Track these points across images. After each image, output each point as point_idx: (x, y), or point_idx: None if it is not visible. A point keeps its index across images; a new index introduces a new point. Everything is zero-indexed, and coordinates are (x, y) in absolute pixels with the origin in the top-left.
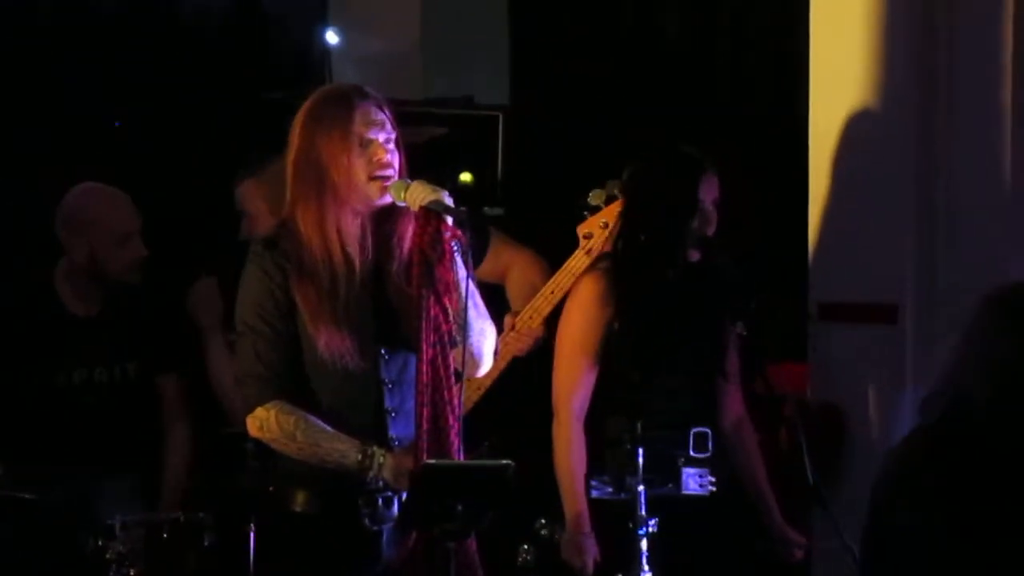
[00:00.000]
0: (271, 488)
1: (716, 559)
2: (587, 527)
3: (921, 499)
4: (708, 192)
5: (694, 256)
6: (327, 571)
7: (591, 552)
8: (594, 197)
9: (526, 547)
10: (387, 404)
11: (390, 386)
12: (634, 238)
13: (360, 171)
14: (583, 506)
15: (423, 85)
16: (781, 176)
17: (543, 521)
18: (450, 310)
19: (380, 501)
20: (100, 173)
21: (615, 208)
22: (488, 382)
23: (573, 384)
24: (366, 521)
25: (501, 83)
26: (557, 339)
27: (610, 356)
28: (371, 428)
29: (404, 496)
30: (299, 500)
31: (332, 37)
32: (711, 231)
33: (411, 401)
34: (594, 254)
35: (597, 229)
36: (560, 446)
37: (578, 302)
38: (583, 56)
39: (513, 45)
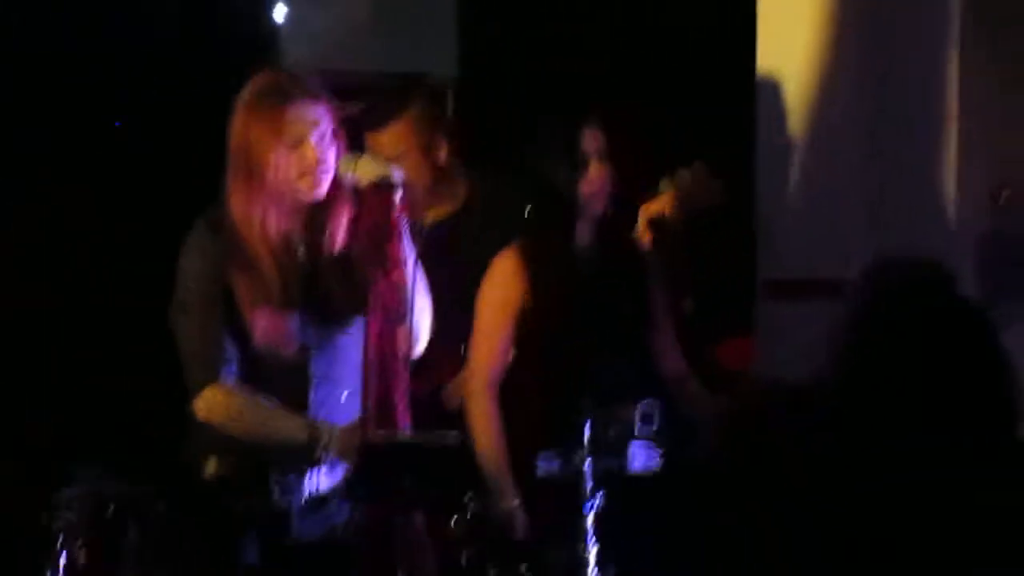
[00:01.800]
0: (187, 456)
1: (664, 536)
2: (513, 496)
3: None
4: (590, 144)
5: (594, 210)
6: (236, 541)
7: (521, 520)
8: None
9: (457, 520)
10: (312, 397)
11: (317, 380)
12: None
13: (290, 169)
14: (507, 475)
15: (375, 56)
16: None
17: (471, 495)
18: (397, 286)
19: (292, 475)
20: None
21: None
22: None
23: (488, 357)
24: (276, 493)
25: (451, 56)
26: (475, 315)
27: (535, 332)
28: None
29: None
30: (212, 466)
31: (281, 10)
32: (598, 186)
33: (335, 397)
34: None
35: None
36: (476, 419)
37: (492, 278)
38: (534, 27)
39: (461, 17)
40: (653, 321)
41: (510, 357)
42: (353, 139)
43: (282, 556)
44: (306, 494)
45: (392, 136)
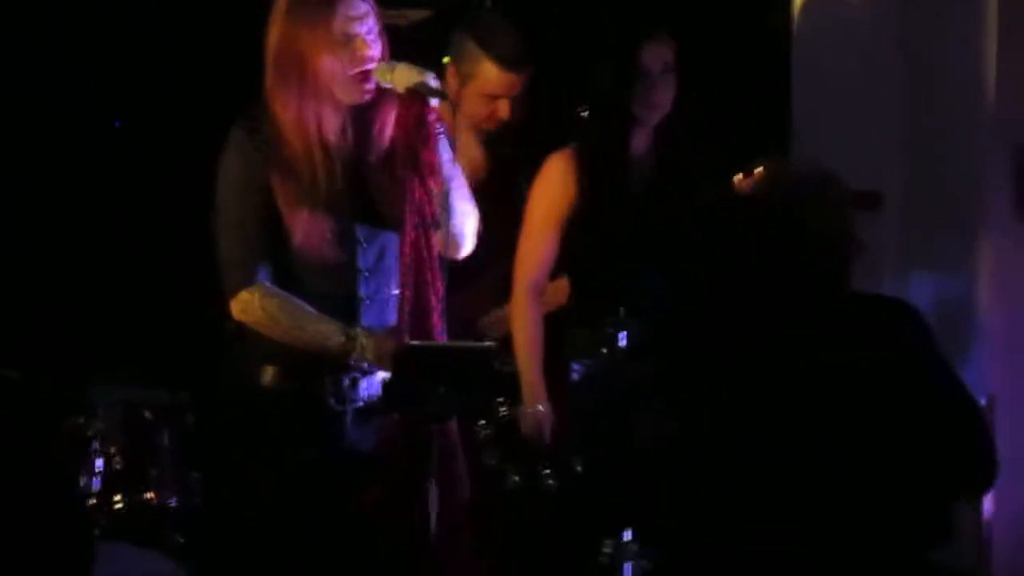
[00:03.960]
0: (241, 364)
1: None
2: (543, 399)
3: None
4: (653, 59)
5: (651, 120)
6: (291, 448)
7: (547, 425)
8: None
9: (483, 423)
10: (361, 292)
11: (366, 274)
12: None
13: (343, 67)
14: (539, 379)
15: None
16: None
17: (500, 400)
18: (433, 192)
19: (346, 381)
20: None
21: None
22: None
23: (533, 259)
24: (331, 401)
25: None
26: (524, 217)
27: (586, 237)
28: (344, 316)
29: (381, 378)
30: (267, 376)
31: None
32: (661, 99)
33: (385, 290)
34: None
35: None
36: (517, 319)
37: (543, 179)
38: None
39: None
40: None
41: (552, 259)
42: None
43: (331, 464)
44: (359, 401)
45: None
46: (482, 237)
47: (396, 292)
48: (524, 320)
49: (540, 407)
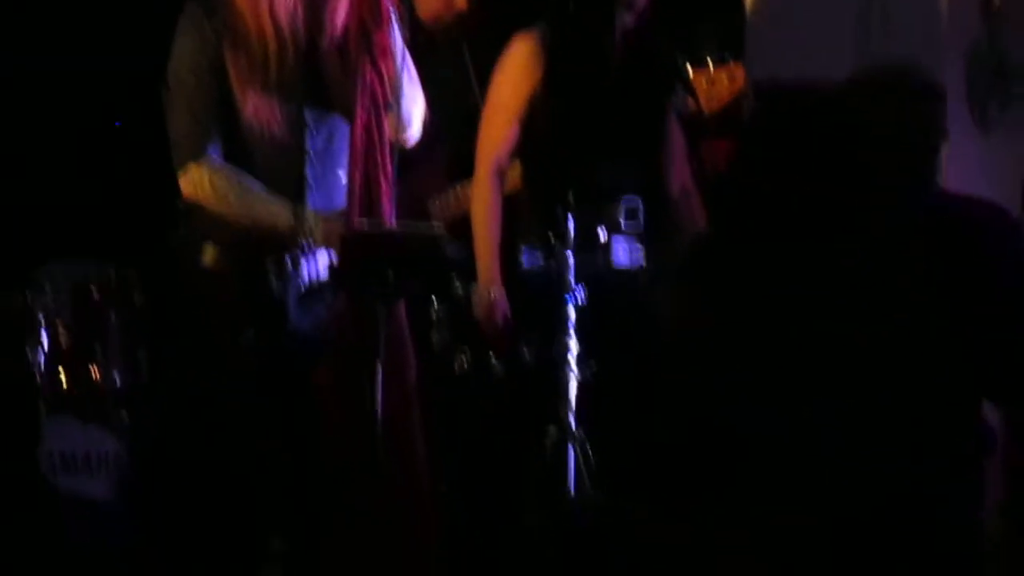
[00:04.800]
0: (184, 244)
1: (643, 331)
2: (498, 283)
3: None
4: None
5: (628, 23)
6: (231, 328)
7: (501, 308)
8: None
9: (436, 303)
10: (308, 175)
11: (313, 158)
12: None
13: None
14: (495, 261)
15: None
16: None
17: (456, 279)
18: (385, 75)
19: (288, 263)
20: None
21: None
22: None
23: (495, 142)
24: (273, 282)
25: None
26: (487, 98)
27: (543, 121)
28: (290, 199)
29: (325, 260)
30: (208, 256)
31: None
32: None
33: (331, 175)
34: None
35: None
36: (476, 202)
37: (510, 60)
38: None
39: None
40: (665, 134)
41: (514, 142)
42: None
43: (276, 345)
44: (302, 284)
45: None
46: (430, 122)
47: (343, 177)
48: (484, 202)
49: (494, 290)
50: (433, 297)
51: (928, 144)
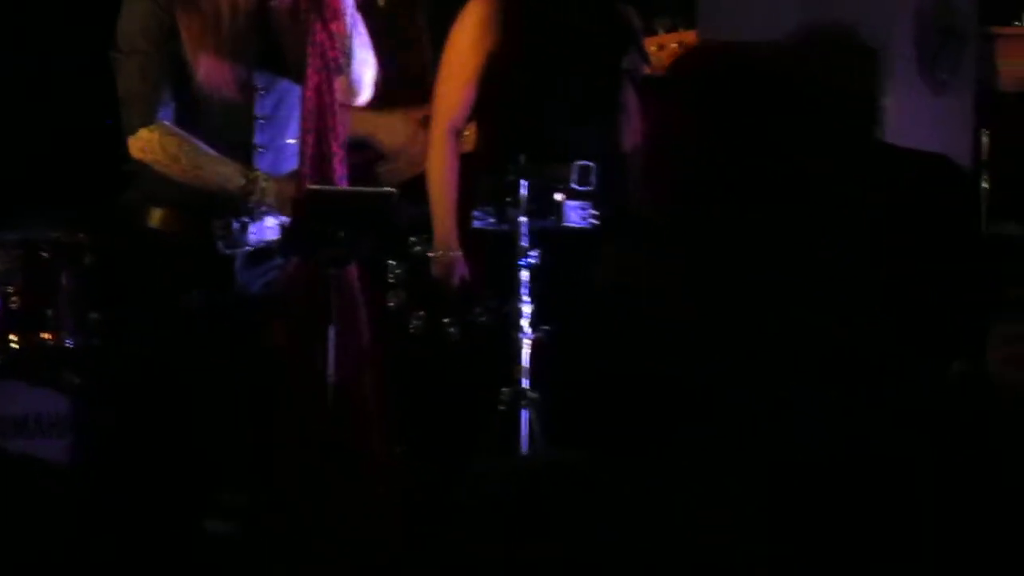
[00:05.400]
0: (132, 206)
1: (593, 293)
2: (455, 244)
3: None
4: None
5: None
6: (178, 290)
7: (458, 270)
8: None
9: (395, 263)
10: (256, 140)
11: (262, 122)
12: None
13: None
14: (452, 223)
15: None
16: None
17: (414, 239)
18: (336, 37)
19: (235, 226)
20: None
21: None
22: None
23: (450, 104)
24: (220, 244)
25: None
26: (443, 59)
27: (498, 84)
28: (240, 162)
29: (275, 223)
30: (155, 218)
31: None
32: None
33: (280, 139)
34: None
35: None
36: (432, 163)
37: (466, 21)
38: None
39: None
40: (619, 97)
41: (470, 104)
42: None
43: (224, 307)
44: (252, 245)
45: None
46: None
47: (292, 142)
48: (440, 165)
49: (452, 252)
50: (393, 258)
51: (866, 96)
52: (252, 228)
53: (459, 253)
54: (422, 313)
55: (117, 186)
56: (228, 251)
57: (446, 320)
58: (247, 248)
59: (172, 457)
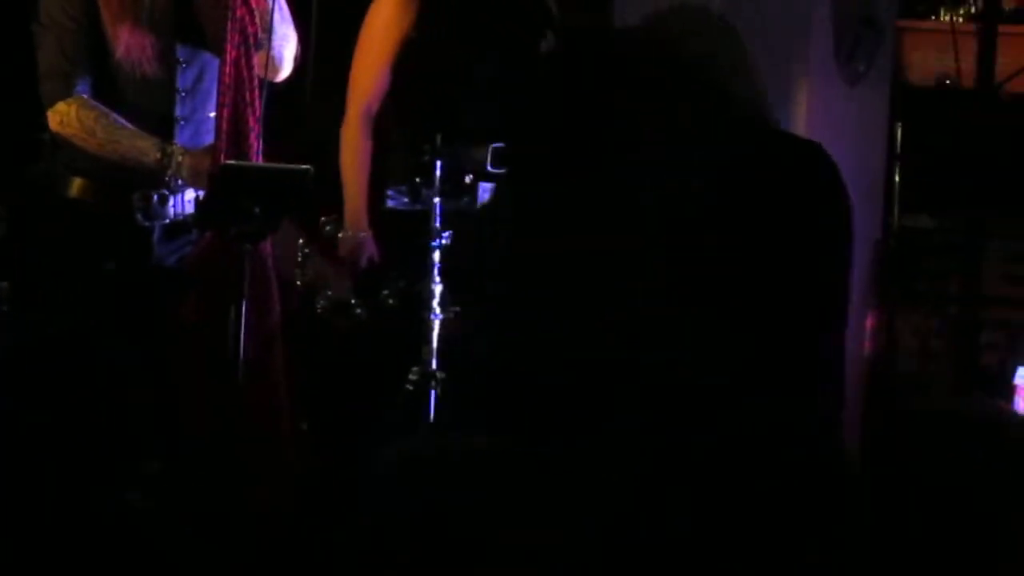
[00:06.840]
0: (50, 176)
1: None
2: (364, 225)
3: None
4: None
5: None
6: (94, 262)
7: (367, 251)
8: None
9: (302, 243)
10: (177, 112)
11: (183, 95)
12: None
13: None
14: (362, 203)
15: None
16: None
17: (325, 219)
18: (256, 12)
19: (155, 198)
20: None
21: None
22: None
23: (365, 85)
24: (139, 217)
25: None
26: (358, 40)
27: (413, 65)
28: (159, 135)
29: (192, 197)
30: (74, 188)
31: None
32: None
33: (201, 112)
34: None
35: None
36: (346, 145)
37: (380, 5)
38: None
39: None
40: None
41: (385, 87)
42: None
43: (140, 280)
44: (167, 218)
45: None
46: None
47: (213, 115)
48: (354, 146)
49: (362, 232)
50: (300, 238)
51: (730, 78)
52: (172, 201)
53: (368, 234)
54: (330, 291)
55: (32, 155)
56: (146, 223)
57: (353, 301)
58: (165, 221)
59: (84, 427)
